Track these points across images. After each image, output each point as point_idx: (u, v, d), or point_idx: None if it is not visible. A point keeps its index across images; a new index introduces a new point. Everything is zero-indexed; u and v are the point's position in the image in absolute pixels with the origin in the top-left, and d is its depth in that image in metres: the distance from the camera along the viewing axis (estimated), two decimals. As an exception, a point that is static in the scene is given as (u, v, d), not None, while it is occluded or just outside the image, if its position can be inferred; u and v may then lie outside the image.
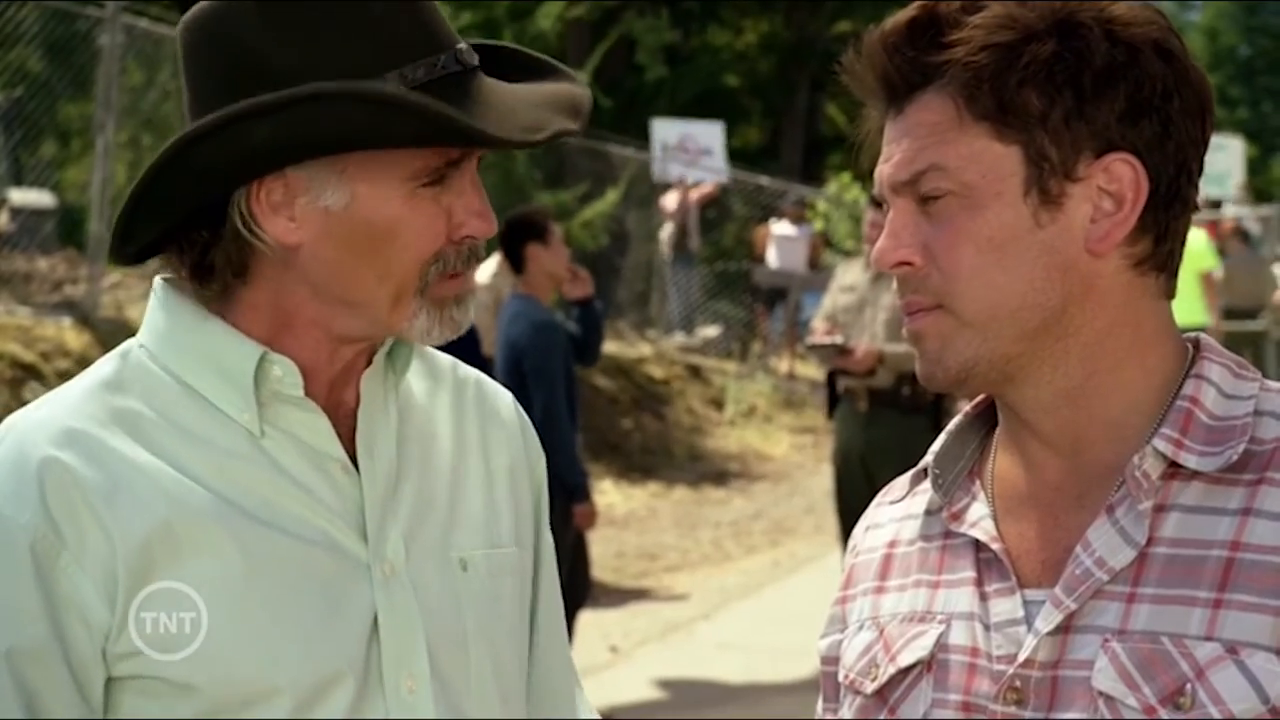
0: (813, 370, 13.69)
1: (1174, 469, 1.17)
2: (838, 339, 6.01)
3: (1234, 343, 13.09)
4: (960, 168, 1.18)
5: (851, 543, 1.38)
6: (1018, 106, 1.17)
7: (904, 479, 1.35)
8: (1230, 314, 13.21)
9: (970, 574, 1.23)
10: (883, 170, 1.22)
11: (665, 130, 15.93)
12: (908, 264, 1.20)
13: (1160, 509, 1.16)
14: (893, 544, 1.32)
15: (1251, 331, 13.75)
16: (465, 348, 5.51)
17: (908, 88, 1.20)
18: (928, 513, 1.29)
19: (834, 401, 6.33)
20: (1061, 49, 1.16)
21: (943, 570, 1.26)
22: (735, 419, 13.14)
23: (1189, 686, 1.11)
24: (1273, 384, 1.22)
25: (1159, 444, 1.17)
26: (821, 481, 10.13)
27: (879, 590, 1.31)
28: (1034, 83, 1.17)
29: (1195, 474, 1.17)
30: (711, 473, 11.77)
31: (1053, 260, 1.18)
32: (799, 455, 12.59)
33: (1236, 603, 1.12)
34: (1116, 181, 1.18)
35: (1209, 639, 1.12)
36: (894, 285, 1.26)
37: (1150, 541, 1.15)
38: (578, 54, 16.44)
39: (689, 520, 10.26)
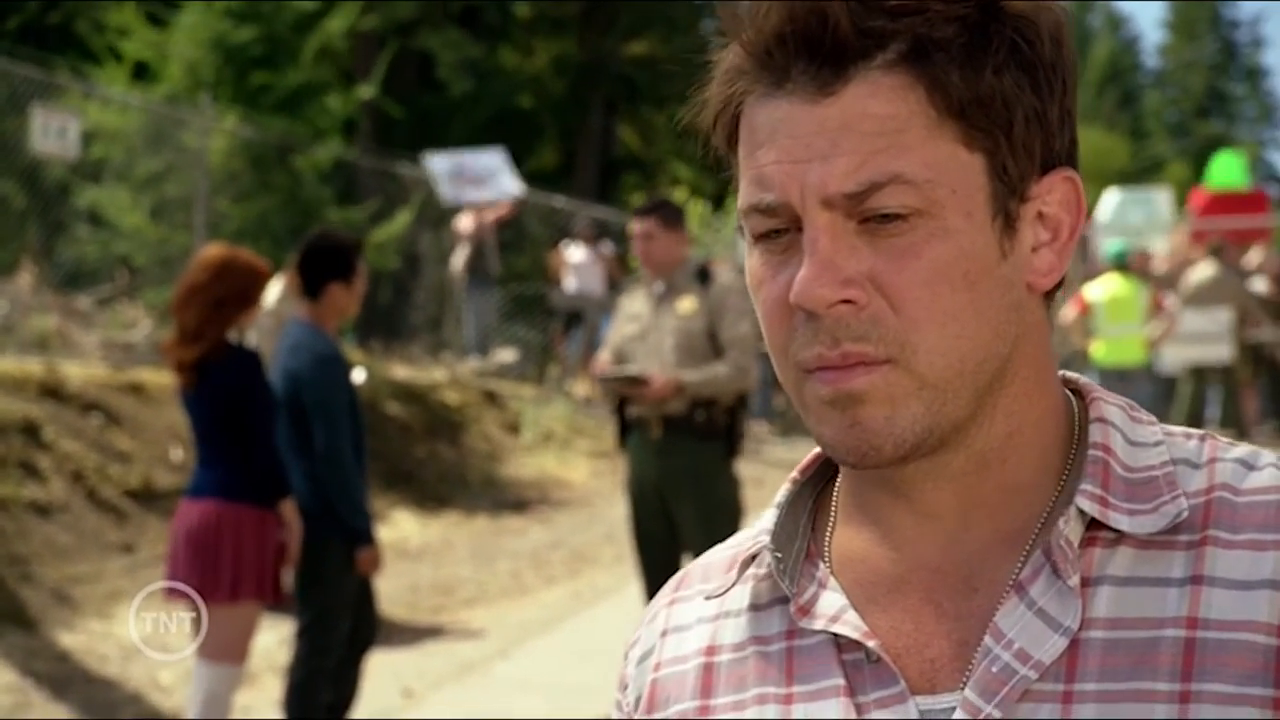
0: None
1: (1093, 533, 0.95)
2: (631, 369, 5.77)
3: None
4: (931, 181, 0.92)
5: (640, 650, 1.10)
6: (990, 103, 0.93)
7: (714, 565, 1.09)
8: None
9: (836, 681, 0.97)
10: (807, 175, 0.93)
11: (439, 163, 15.21)
12: (850, 303, 0.93)
13: (1085, 583, 0.94)
14: (710, 650, 1.05)
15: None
16: (248, 374, 5.08)
17: (842, 58, 0.92)
18: (754, 608, 1.03)
19: (625, 430, 6.05)
20: (1016, 36, 0.94)
21: (794, 680, 0.99)
22: (533, 445, 12.90)
23: None
24: (1172, 427, 1.02)
25: (1082, 503, 0.95)
26: (621, 508, 9.95)
27: (705, 710, 1.03)
28: (1007, 73, 0.93)
29: (1119, 538, 0.95)
30: (509, 501, 11.51)
31: (1008, 299, 0.96)
32: (598, 481, 12.41)
33: (1210, 694, 0.89)
34: (1058, 204, 0.97)
35: None
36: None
37: (1080, 624, 0.93)
38: (365, 68, 16.02)
39: (486, 551, 9.98)
